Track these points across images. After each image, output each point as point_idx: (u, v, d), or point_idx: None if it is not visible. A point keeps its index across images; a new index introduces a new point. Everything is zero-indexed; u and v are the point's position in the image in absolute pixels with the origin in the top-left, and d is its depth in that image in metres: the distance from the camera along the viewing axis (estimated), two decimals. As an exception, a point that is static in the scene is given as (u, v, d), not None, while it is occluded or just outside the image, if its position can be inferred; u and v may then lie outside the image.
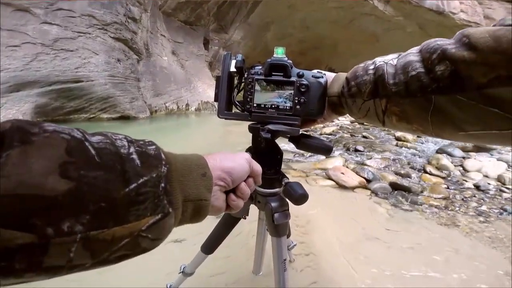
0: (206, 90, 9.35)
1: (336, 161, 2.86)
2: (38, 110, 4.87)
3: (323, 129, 5.17)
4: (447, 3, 10.63)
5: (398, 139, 4.20)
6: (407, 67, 0.39)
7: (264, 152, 0.59)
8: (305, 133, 0.61)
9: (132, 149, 0.26)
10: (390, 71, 0.42)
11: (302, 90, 0.55)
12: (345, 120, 6.64)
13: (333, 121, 6.35)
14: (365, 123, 6.17)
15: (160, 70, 8.03)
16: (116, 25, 6.12)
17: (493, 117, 0.30)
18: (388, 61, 0.44)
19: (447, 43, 0.34)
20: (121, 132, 0.28)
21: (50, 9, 5.11)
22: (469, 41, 0.31)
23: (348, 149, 3.60)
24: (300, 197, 0.52)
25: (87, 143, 0.23)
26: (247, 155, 0.41)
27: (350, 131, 5.20)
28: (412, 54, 0.40)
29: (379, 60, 0.46)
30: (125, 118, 6.26)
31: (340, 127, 5.74)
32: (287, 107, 0.57)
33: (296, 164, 2.87)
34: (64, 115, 5.38)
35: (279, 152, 0.62)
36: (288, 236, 0.99)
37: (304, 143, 0.59)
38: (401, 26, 11.71)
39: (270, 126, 0.55)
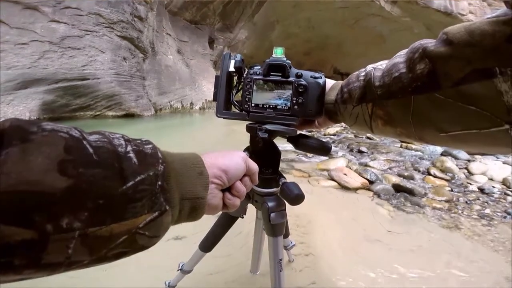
0: (211, 89, 9.38)
1: (339, 162, 2.85)
2: (45, 107, 4.94)
3: (327, 130, 5.14)
4: (456, 4, 10.43)
5: (403, 140, 4.16)
6: (392, 69, 0.39)
7: (262, 152, 0.58)
8: (303, 133, 0.61)
9: (129, 148, 0.26)
10: (377, 74, 0.43)
11: (300, 90, 0.55)
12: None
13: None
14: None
15: (165, 69, 8.08)
16: (123, 24, 6.18)
17: (471, 115, 0.30)
18: (377, 66, 0.44)
19: (429, 42, 0.34)
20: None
21: (58, 7, 5.18)
22: (447, 37, 0.31)
23: (351, 150, 3.58)
24: (296, 198, 0.52)
25: (85, 142, 0.23)
26: (243, 154, 0.41)
27: (354, 132, 5.17)
28: (399, 56, 0.40)
29: (369, 66, 0.46)
30: (130, 116, 6.32)
31: (344, 127, 5.70)
32: (285, 107, 0.56)
33: (299, 164, 2.87)
34: (70, 112, 5.46)
35: (277, 152, 0.61)
36: (286, 236, 1.00)
37: (302, 143, 0.59)
38: (408, 27, 11.57)
39: (268, 126, 0.55)
